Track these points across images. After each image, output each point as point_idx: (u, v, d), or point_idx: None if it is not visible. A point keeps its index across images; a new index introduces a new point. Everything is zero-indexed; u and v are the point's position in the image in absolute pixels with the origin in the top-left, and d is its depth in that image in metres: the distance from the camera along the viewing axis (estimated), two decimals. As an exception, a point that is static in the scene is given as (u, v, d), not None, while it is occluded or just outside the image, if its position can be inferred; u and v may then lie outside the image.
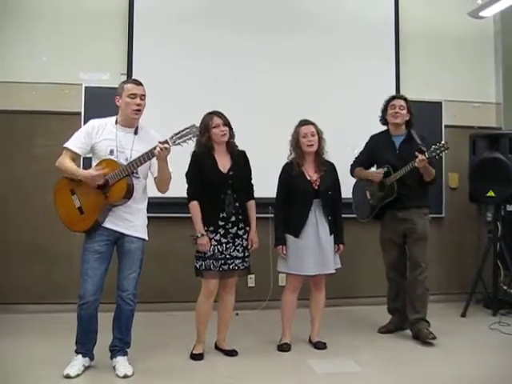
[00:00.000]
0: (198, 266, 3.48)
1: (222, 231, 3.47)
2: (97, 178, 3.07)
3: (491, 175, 4.69)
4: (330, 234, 3.70)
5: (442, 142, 3.84)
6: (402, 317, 4.10)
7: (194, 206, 3.48)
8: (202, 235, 3.43)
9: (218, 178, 3.46)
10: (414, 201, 3.99)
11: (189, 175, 3.52)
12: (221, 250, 3.46)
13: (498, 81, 5.56)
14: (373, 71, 5.12)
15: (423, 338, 3.83)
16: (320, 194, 3.68)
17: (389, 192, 4.01)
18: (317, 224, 3.66)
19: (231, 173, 3.50)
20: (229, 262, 3.48)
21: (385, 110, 4.13)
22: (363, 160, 4.28)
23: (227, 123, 3.51)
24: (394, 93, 5.14)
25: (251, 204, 3.62)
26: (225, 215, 3.47)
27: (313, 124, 3.75)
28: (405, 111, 4.04)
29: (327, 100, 4.95)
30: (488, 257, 4.79)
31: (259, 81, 4.93)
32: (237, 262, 3.50)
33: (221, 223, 3.47)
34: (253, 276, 4.76)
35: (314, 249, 3.64)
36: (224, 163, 3.52)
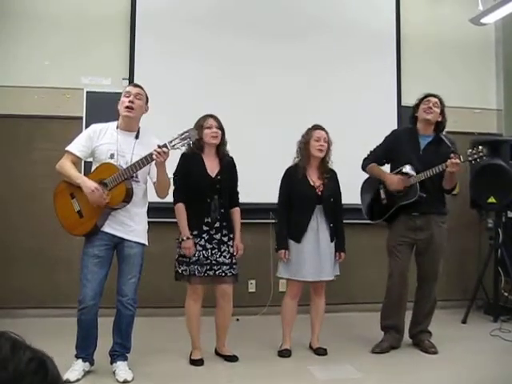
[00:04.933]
0: (180, 270, 3.44)
1: (206, 236, 3.44)
2: (95, 193, 3.05)
3: (492, 181, 4.67)
4: (331, 241, 3.69)
5: (480, 147, 3.50)
6: (399, 335, 3.87)
7: (180, 208, 3.45)
8: (188, 238, 3.39)
9: (205, 182, 3.44)
10: (434, 206, 3.74)
11: (176, 177, 3.50)
12: (206, 255, 3.42)
13: (499, 87, 5.56)
14: (374, 77, 5.12)
15: (424, 350, 3.79)
16: (323, 201, 3.67)
17: (409, 193, 3.70)
18: (318, 230, 3.65)
19: (219, 177, 3.48)
20: (215, 267, 3.43)
21: (416, 107, 3.85)
22: (379, 155, 3.95)
23: (221, 127, 3.51)
24: (395, 99, 5.14)
25: (236, 211, 3.60)
26: (209, 220, 3.44)
27: (326, 132, 3.72)
28: (438, 110, 3.78)
29: (328, 106, 4.95)
30: (489, 263, 4.78)
31: (261, 85, 4.93)
32: (224, 268, 3.45)
33: (205, 228, 3.44)
34: (253, 281, 4.75)
35: (313, 255, 3.62)
36: (212, 167, 3.51)
